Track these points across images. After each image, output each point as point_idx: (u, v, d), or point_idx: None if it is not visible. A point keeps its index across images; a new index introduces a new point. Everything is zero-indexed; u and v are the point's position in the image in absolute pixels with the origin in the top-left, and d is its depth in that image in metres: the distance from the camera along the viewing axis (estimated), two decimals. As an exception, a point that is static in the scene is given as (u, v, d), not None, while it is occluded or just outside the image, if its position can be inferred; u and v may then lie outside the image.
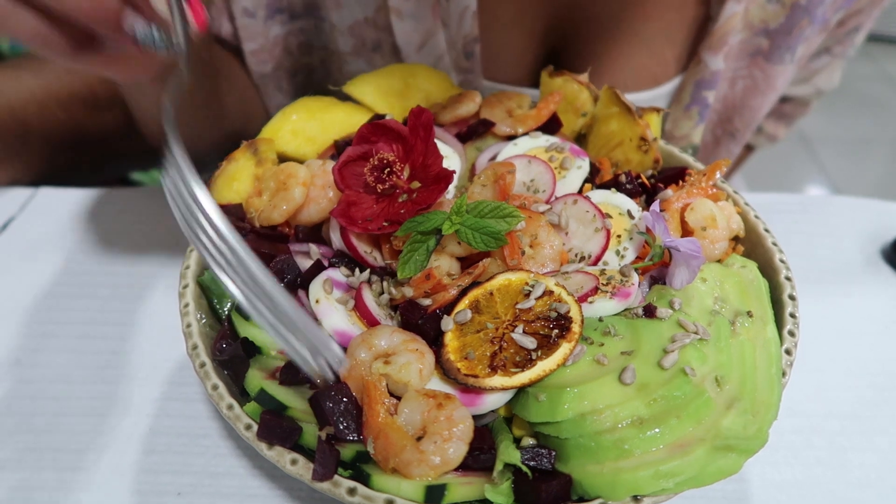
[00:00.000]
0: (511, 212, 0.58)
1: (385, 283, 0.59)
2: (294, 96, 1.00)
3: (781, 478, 0.64)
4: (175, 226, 0.47)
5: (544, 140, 0.73)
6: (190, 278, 0.60)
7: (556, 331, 0.50)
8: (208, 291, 0.60)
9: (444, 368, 0.50)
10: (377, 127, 0.64)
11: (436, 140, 0.74)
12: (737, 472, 0.46)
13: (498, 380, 0.48)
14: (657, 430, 0.46)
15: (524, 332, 0.50)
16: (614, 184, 0.68)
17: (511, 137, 0.75)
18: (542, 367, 0.48)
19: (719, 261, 0.64)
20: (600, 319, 0.55)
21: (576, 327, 0.50)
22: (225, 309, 0.60)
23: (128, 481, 0.62)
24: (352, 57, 0.94)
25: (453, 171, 0.60)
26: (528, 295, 0.53)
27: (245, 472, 0.63)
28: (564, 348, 0.49)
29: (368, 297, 0.57)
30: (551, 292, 0.53)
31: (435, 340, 0.53)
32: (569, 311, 0.51)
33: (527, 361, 0.49)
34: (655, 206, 0.61)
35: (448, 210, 0.58)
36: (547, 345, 0.49)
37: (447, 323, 0.51)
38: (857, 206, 0.94)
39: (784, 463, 0.65)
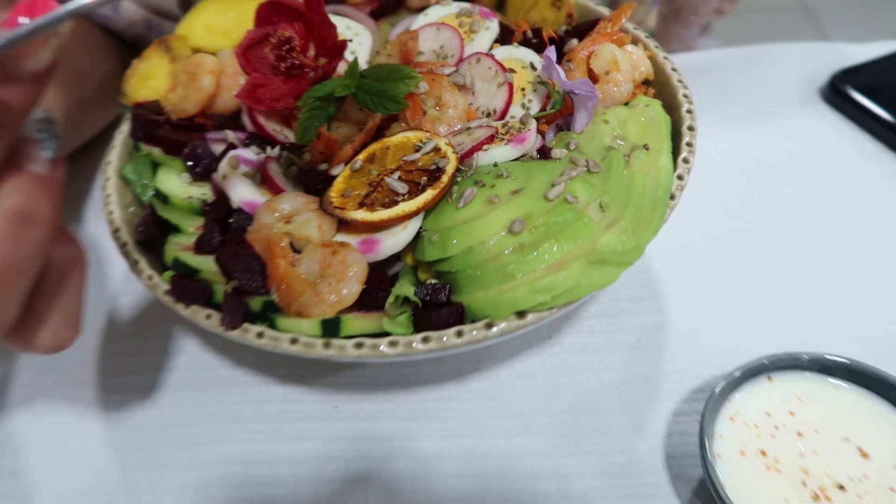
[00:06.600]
0: (409, 73, 0.59)
1: (293, 156, 0.61)
2: None
3: (700, 310, 0.67)
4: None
5: (455, 7, 0.73)
6: (111, 172, 0.63)
7: (427, 180, 0.52)
8: (131, 184, 0.63)
9: (322, 204, 0.53)
10: (274, 6, 0.64)
11: (348, 19, 0.75)
12: (612, 283, 0.49)
13: (360, 213, 0.51)
14: (536, 252, 0.49)
15: (399, 178, 0.53)
16: (520, 40, 0.69)
17: (424, 9, 0.75)
18: (402, 207, 0.51)
19: (627, 103, 0.65)
20: (495, 165, 0.57)
21: (444, 178, 0.52)
22: (147, 196, 0.63)
23: (91, 366, 0.68)
24: None
25: (348, 40, 0.61)
26: (418, 150, 0.55)
27: (195, 348, 0.68)
28: (427, 194, 0.51)
29: (274, 169, 0.59)
30: (439, 149, 0.55)
31: (337, 200, 0.56)
32: (446, 165, 0.52)
33: (393, 203, 0.51)
34: (549, 52, 0.61)
35: (347, 80, 0.59)
36: (416, 192, 0.52)
37: (339, 168, 0.54)
38: (796, 51, 0.93)
39: (704, 299, 0.68)
